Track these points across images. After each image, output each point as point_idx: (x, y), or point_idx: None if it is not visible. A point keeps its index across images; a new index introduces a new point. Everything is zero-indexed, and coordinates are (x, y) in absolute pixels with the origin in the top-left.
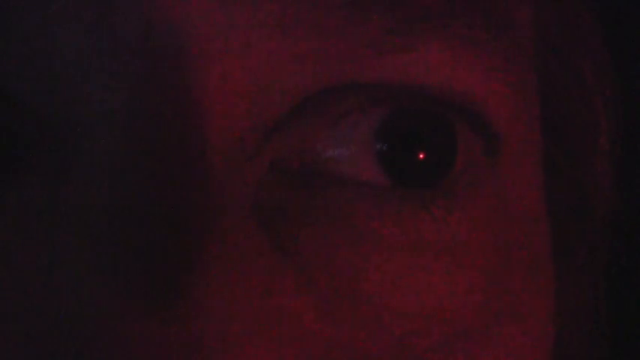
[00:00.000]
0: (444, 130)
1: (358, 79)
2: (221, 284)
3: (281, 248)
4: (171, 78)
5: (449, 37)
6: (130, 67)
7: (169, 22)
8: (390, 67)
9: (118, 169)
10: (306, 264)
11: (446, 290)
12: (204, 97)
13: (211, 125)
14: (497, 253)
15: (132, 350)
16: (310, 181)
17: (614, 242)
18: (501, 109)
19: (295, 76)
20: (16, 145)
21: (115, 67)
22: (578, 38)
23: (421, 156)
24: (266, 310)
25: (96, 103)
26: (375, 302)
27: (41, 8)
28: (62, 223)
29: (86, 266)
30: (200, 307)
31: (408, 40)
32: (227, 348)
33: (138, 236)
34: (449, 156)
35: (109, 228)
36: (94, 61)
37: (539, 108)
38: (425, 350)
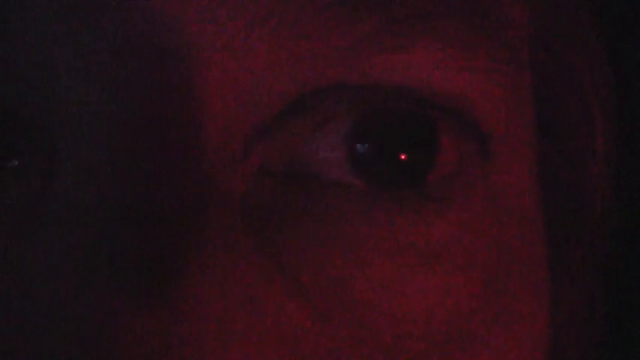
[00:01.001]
0: (425, 130)
1: (347, 81)
2: (212, 287)
3: (271, 251)
4: (162, 78)
5: (440, 38)
6: (123, 67)
7: (162, 22)
8: (380, 67)
9: (110, 168)
10: (296, 267)
11: (440, 293)
12: (194, 98)
13: (200, 127)
14: (492, 256)
15: (125, 349)
16: (299, 184)
17: (611, 243)
18: (494, 110)
19: (284, 77)
20: (3, 146)
21: (108, 67)
22: (574, 38)
23: (402, 157)
24: (258, 316)
25: (76, 103)
26: (367, 306)
27: (33, 8)
28: (54, 222)
29: (78, 265)
30: (193, 308)
31: (399, 40)
32: (220, 349)
33: (129, 235)
34: (429, 156)
35: (100, 227)
36: (89, 61)
37: (534, 109)
38: (419, 353)
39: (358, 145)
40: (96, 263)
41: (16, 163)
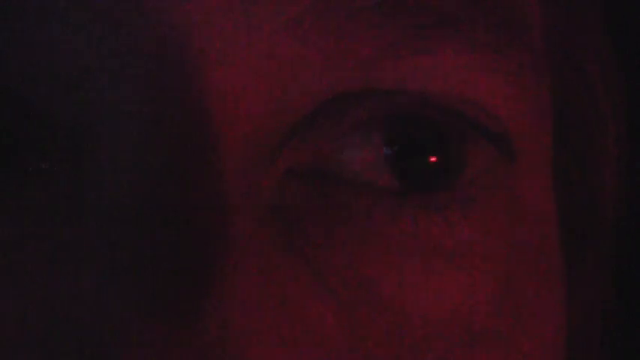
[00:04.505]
0: (454, 134)
1: (376, 84)
2: (242, 296)
3: (299, 254)
4: (180, 80)
5: (466, 42)
6: (137, 69)
7: (175, 22)
8: (407, 71)
9: (138, 169)
10: (324, 269)
11: (464, 292)
12: (222, 99)
13: (229, 128)
14: (512, 257)
15: None
16: (327, 185)
17: (623, 244)
18: (516, 113)
19: (314, 79)
20: (25, 146)
21: (139, 69)
22: (587, 43)
23: (432, 159)
24: (287, 318)
25: (105, 105)
26: (394, 306)
27: (45, 10)
28: (83, 224)
29: (105, 268)
30: (222, 320)
31: (426, 44)
32: (249, 350)
33: (158, 239)
34: (458, 159)
35: (128, 230)
36: (101, 62)
37: (552, 111)
38: (443, 352)
39: (385, 148)
40: (124, 267)
41: (47, 165)
